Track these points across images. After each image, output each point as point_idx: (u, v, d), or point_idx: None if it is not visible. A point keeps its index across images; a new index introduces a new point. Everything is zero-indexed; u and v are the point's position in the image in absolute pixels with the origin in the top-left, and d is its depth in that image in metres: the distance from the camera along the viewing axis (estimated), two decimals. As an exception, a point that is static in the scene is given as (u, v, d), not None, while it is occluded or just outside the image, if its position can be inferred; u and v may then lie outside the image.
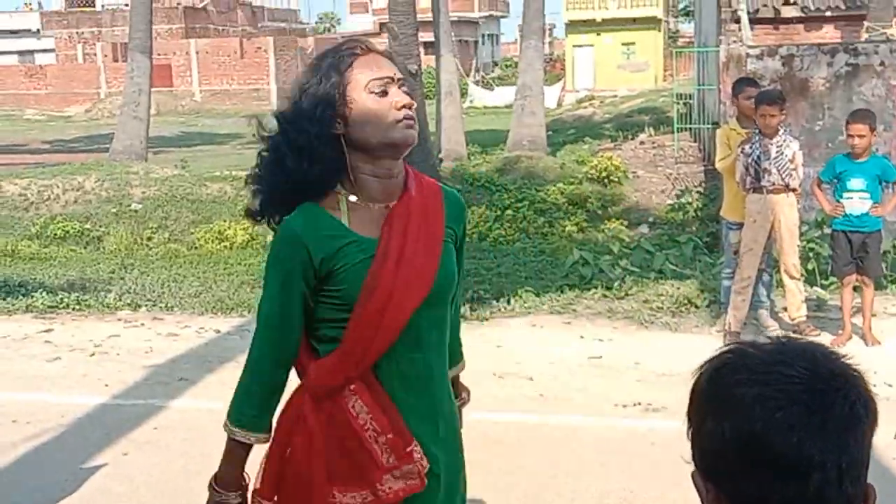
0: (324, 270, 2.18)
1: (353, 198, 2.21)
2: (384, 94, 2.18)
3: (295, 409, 2.27)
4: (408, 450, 2.20)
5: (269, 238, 2.41)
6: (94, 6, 55.39)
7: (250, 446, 2.26)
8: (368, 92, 2.17)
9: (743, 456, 1.19)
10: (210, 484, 2.29)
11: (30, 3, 59.31)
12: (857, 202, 6.68)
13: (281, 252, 2.22)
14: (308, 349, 2.28)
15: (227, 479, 2.27)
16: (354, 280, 2.17)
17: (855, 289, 6.90)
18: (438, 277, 2.24)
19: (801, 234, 7.46)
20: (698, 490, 1.27)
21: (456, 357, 2.52)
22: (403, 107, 2.19)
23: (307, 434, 2.22)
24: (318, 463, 2.20)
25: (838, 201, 6.77)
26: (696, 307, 7.53)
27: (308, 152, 2.17)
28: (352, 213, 2.21)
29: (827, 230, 7.60)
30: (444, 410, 2.33)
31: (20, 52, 54.02)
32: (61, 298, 8.40)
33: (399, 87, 2.21)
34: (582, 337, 7.00)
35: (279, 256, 2.22)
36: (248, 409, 2.25)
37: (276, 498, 2.27)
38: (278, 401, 2.30)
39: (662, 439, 4.97)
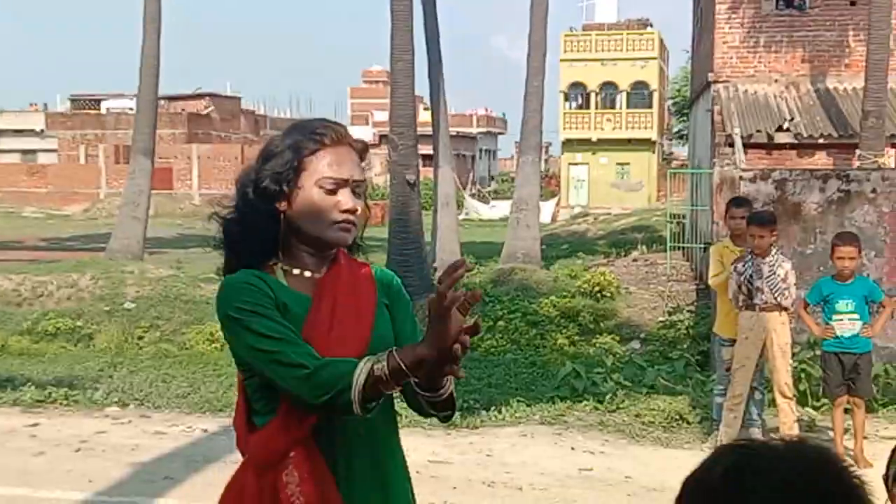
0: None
1: (286, 267, 2.28)
2: (333, 192, 2.23)
3: (237, 482, 2.25)
4: None
5: None
6: (98, 109, 56.38)
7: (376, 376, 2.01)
8: (318, 186, 2.23)
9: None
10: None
11: (35, 104, 60.37)
12: (847, 324, 6.72)
13: (244, 291, 2.18)
14: (246, 424, 2.30)
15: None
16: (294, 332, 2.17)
17: (846, 410, 6.89)
18: (372, 340, 2.24)
19: (794, 355, 7.48)
20: None
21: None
22: (346, 210, 2.24)
23: None
24: None
25: (828, 324, 6.81)
26: (688, 423, 7.50)
27: (249, 223, 2.25)
28: (287, 277, 2.26)
29: (818, 351, 7.62)
30: (389, 474, 2.30)
31: (23, 151, 54.69)
32: (49, 393, 8.35)
33: (352, 190, 2.25)
34: (573, 449, 6.94)
35: (244, 295, 2.17)
36: (340, 382, 2.05)
37: None
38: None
39: (652, 555, 4.90)
